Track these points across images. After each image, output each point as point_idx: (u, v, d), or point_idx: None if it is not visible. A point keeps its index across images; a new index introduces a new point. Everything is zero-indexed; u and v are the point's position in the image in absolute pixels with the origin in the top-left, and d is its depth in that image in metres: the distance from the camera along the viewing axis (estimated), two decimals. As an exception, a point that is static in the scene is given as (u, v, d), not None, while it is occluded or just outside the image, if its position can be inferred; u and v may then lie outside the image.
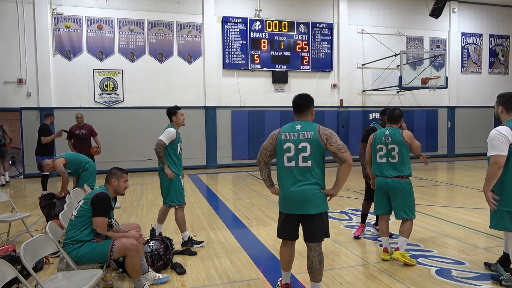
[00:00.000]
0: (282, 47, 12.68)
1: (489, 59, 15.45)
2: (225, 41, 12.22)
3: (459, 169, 12.01)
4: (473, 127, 15.08)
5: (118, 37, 11.42)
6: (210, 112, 12.17)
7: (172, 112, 4.65)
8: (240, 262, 4.11)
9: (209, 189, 8.79)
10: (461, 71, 15.01)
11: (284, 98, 12.90)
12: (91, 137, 8.13)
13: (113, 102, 11.43)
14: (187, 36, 11.98)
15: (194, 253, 4.32)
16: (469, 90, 15.12)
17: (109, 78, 11.38)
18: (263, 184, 9.14)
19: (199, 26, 12.05)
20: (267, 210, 6.50)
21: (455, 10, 14.54)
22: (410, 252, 4.32)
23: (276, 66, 12.67)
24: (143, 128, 11.38)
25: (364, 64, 13.64)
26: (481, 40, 15.29)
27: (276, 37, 12.64)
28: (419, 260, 4.09)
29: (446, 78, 12.57)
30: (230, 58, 12.29)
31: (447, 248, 4.54)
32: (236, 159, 12.50)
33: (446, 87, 12.72)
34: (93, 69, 11.21)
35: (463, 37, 14.96)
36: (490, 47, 15.43)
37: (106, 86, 11.36)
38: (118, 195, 3.53)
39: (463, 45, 15.00)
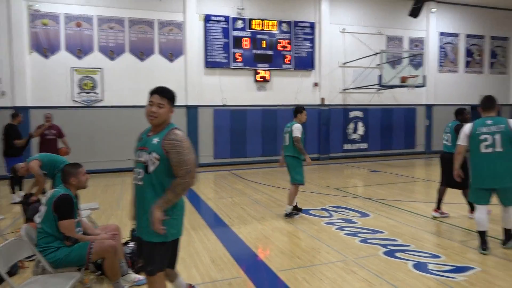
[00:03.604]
0: (264, 46, 12.70)
1: (466, 59, 15.87)
2: (207, 39, 12.15)
3: (436, 166, 12.26)
4: (451, 124, 15.45)
5: (97, 35, 11.20)
6: (192, 111, 12.10)
7: None
8: (222, 261, 4.12)
9: (191, 188, 8.74)
10: (439, 70, 15.35)
11: (266, 97, 12.95)
12: (59, 138, 8.00)
13: (92, 101, 11.22)
14: (169, 34, 11.86)
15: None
16: (446, 89, 15.50)
17: (88, 76, 11.16)
18: (245, 183, 9.18)
19: (181, 24, 11.95)
20: (249, 209, 6.52)
21: (433, 10, 14.86)
22: (388, 247, 4.42)
23: (259, 65, 12.69)
24: (123, 127, 11.20)
25: (345, 63, 13.80)
26: (458, 40, 15.68)
27: (258, 36, 12.64)
28: (397, 254, 4.18)
29: (424, 77, 12.84)
30: (212, 57, 12.23)
31: (424, 242, 4.66)
32: (218, 158, 12.47)
33: (424, 86, 12.99)
34: (71, 68, 10.98)
35: (440, 36, 15.31)
36: (466, 46, 15.84)
37: (85, 85, 11.14)
38: (81, 189, 3.45)
39: (440, 44, 15.34)
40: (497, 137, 4.10)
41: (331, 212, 6.11)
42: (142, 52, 11.62)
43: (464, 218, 5.66)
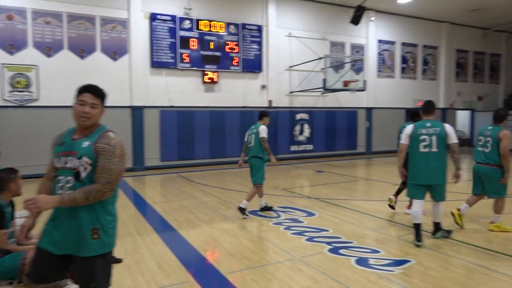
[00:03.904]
0: (212, 47, 12.64)
1: (401, 65, 17.02)
2: (153, 38, 11.82)
3: (376, 165, 13.06)
4: (388, 126, 16.48)
5: (32, 30, 10.42)
6: (137, 112, 11.69)
7: None
8: (169, 266, 4.03)
9: (136, 192, 8.45)
10: (377, 75, 16.31)
11: (214, 98, 12.89)
12: None
13: (26, 101, 10.40)
14: (112, 31, 11.36)
15: (119, 260, 4.13)
16: (385, 93, 16.51)
17: (21, 74, 10.33)
18: (193, 185, 9.06)
19: (125, 22, 11.50)
20: (197, 211, 6.44)
21: (372, 18, 15.75)
22: (333, 244, 4.61)
23: (206, 66, 12.60)
24: (61, 129, 10.45)
25: (291, 66, 14.16)
26: (394, 47, 16.78)
27: (206, 37, 12.55)
28: (341, 251, 4.37)
29: (365, 81, 13.57)
30: (159, 57, 11.93)
31: (365, 238, 4.92)
32: (165, 160, 12.17)
33: (364, 90, 13.72)
34: (1, 64, 10.10)
35: (379, 44, 16.27)
36: (402, 54, 17.00)
37: (18, 83, 10.30)
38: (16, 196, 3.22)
39: (379, 51, 16.31)
40: (434, 138, 4.51)
41: (279, 213, 6.23)
42: (82, 50, 11.01)
43: (402, 214, 6.06)
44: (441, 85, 18.13)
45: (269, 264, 4.07)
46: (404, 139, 4.72)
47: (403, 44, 16.96)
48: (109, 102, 10.08)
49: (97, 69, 11.12)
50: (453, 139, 4.51)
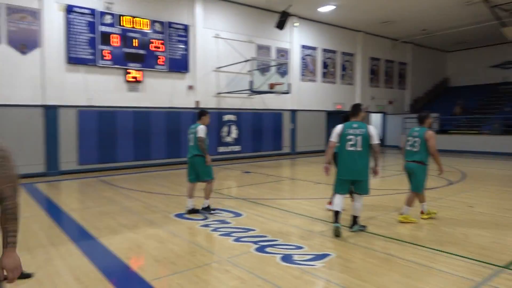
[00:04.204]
0: (136, 45, 12.10)
1: (322, 70, 18.03)
2: (70, 32, 10.94)
3: (300, 165, 13.65)
4: (311, 128, 17.35)
5: None
6: (50, 112, 10.72)
7: None
8: (88, 278, 3.76)
9: (49, 199, 7.75)
10: (301, 79, 17.07)
11: (139, 98, 12.37)
12: None
13: None
14: (20, 22, 10.26)
15: (28, 276, 3.73)
16: (308, 96, 17.34)
17: None
18: (115, 189, 8.57)
19: (36, 12, 10.48)
20: (119, 217, 6.11)
21: (296, 24, 16.44)
22: (259, 243, 4.71)
23: (130, 64, 12.02)
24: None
25: (219, 68, 14.17)
26: (316, 53, 17.71)
27: (129, 34, 11.97)
28: (267, 250, 4.48)
29: (289, 84, 14.10)
30: (76, 52, 11.07)
31: (290, 236, 5.12)
32: (84, 163, 11.34)
33: (289, 93, 14.25)
34: None
35: (302, 49, 17.05)
36: (323, 59, 18.02)
37: None
38: None
39: (302, 56, 17.08)
40: (359, 138, 4.99)
41: (206, 215, 6.18)
42: (-17, 41, 9.78)
43: (324, 211, 6.40)
44: (357, 89, 19.60)
45: (196, 267, 4.02)
46: (334, 137, 5.15)
47: (324, 50, 17.99)
48: (17, 100, 9.31)
49: (2, 63, 9.97)
50: (375, 140, 5.00)
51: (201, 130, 6.11)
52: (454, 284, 3.56)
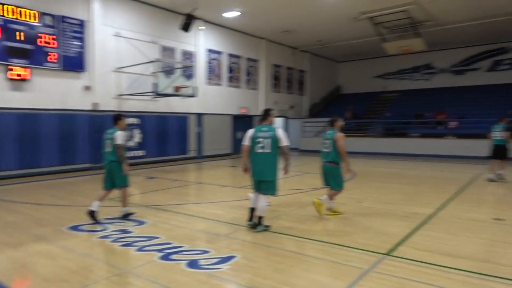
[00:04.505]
0: (21, 38, 10.73)
1: (228, 74, 18.31)
2: None
3: (206, 169, 13.64)
4: (217, 131, 17.47)
5: None
6: None
7: None
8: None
9: None
10: (207, 83, 17.08)
11: (25, 99, 10.98)
12: None
13: None
14: None
15: None
16: (214, 99, 17.42)
17: None
18: (-5, 202, 7.46)
19: None
20: None
21: (201, 28, 16.40)
22: (164, 251, 4.57)
23: (12, 60, 10.61)
24: None
25: (120, 68, 13.37)
26: (222, 57, 17.92)
27: (12, 25, 10.55)
28: (172, 257, 4.37)
29: (195, 87, 13.98)
30: None
31: (196, 240, 5.07)
32: (-47, 173, 9.65)
33: (194, 96, 14.12)
34: None
35: (208, 53, 17.07)
36: (228, 64, 18.31)
37: None
38: None
39: (208, 60, 17.11)
40: (268, 141, 5.29)
41: (106, 225, 5.78)
42: None
43: (230, 213, 6.49)
44: (261, 94, 20.37)
45: (93, 283, 3.72)
46: (246, 141, 5.44)
47: (230, 55, 18.29)
48: None
49: None
50: (283, 142, 5.32)
51: (119, 136, 5.93)
52: (347, 273, 3.93)
